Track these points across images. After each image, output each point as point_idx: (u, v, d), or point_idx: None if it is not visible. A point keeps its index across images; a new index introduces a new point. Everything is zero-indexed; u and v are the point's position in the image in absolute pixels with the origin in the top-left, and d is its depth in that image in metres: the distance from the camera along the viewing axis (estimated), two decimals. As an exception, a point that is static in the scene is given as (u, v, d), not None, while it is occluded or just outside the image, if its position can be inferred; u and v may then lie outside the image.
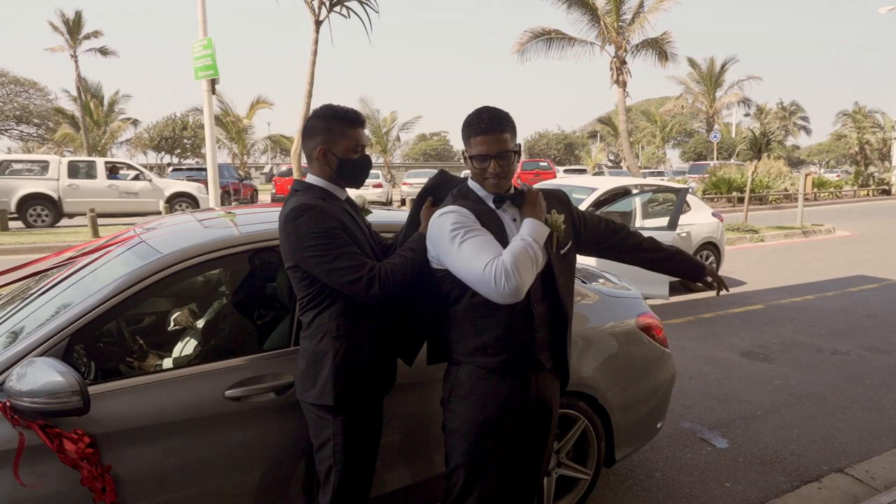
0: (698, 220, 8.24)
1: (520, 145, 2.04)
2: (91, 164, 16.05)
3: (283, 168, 28.23)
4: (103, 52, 32.12)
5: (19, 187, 14.87)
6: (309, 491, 2.26)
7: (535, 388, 2.11)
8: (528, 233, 1.95)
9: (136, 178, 16.36)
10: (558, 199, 2.21)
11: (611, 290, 3.26)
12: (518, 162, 2.05)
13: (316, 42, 12.14)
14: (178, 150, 38.39)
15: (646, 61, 22.97)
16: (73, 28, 30.80)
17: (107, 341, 2.80)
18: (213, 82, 12.35)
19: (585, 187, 7.71)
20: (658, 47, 21.77)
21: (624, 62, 21.47)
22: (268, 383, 2.20)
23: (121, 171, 16.84)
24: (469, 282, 1.90)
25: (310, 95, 12.63)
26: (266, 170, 44.30)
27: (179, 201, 16.26)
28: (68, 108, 38.34)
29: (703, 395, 4.63)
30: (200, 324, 2.89)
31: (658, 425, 3.30)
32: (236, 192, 22.49)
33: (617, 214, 7.58)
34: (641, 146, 56.87)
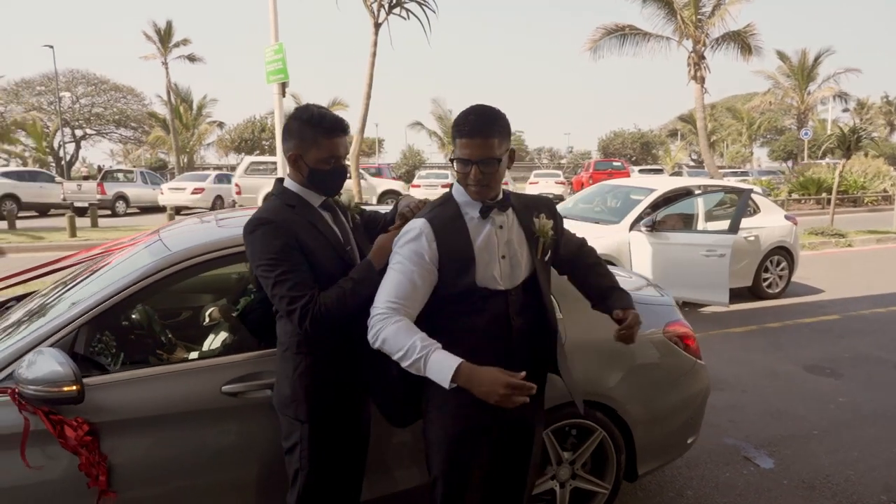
0: (769, 223, 7.75)
1: (513, 150, 1.93)
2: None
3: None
4: (191, 58, 34.01)
5: (263, 186, 17.12)
6: None
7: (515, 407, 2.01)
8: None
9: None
10: (546, 206, 2.13)
11: (637, 295, 3.10)
12: (507, 167, 1.93)
13: (375, 44, 12.34)
14: (257, 152, 40.14)
15: (727, 56, 21.87)
16: (165, 37, 32.76)
17: (138, 334, 2.94)
18: (284, 86, 12.75)
19: (643, 188, 7.42)
20: (741, 40, 20.70)
21: (702, 57, 20.55)
22: (264, 380, 2.23)
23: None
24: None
25: (368, 97, 12.83)
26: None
27: (389, 198, 17.93)
28: (160, 112, 40.80)
29: (755, 411, 4.34)
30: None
31: (689, 440, 3.12)
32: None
33: (678, 217, 7.26)
34: (726, 145, 54.28)
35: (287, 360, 2.00)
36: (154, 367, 2.24)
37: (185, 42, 33.76)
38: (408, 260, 1.87)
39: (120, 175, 22.66)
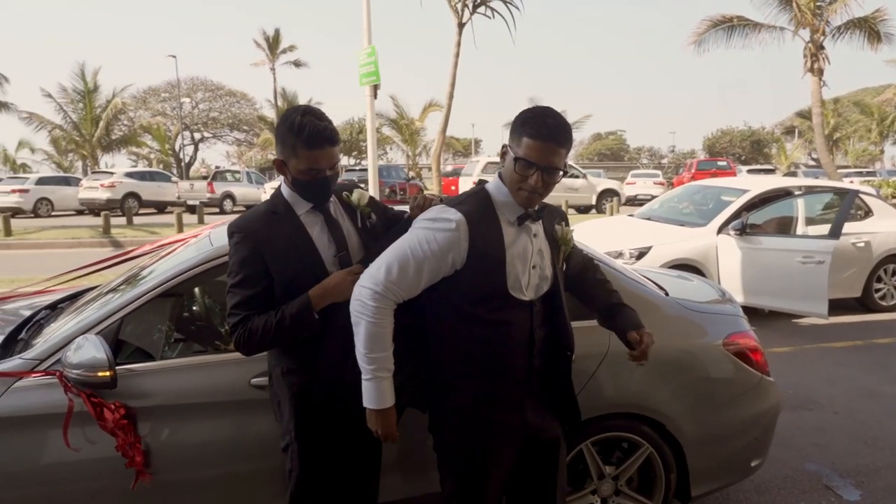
0: (883, 228, 7.00)
1: (566, 165, 1.82)
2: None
3: (448, 168, 29.15)
4: (296, 63, 35.79)
5: (598, 184, 19.25)
6: None
7: (532, 419, 1.93)
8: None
9: (573, 176, 19.53)
10: (560, 214, 2.01)
11: (695, 305, 2.89)
12: (563, 175, 1.84)
13: (458, 44, 12.35)
14: (355, 153, 41.54)
15: (850, 45, 20.04)
16: (273, 44, 34.64)
17: (199, 325, 3.10)
18: (376, 88, 13.07)
19: (736, 188, 6.93)
20: (868, 27, 18.93)
21: (821, 47, 18.99)
22: (292, 375, 2.27)
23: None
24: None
25: (451, 97, 12.87)
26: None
27: (608, 197, 19.14)
28: (269, 116, 43.18)
29: (846, 435, 3.92)
30: None
31: (753, 463, 2.86)
32: (402, 190, 23.69)
33: (776, 221, 6.74)
34: (851, 142, 49.81)
35: (270, 361, 2.02)
36: (188, 358, 2.34)
37: (291, 48, 35.58)
38: (429, 248, 1.76)
39: (228, 175, 24.23)
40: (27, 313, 2.95)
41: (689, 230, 6.53)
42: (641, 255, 6.20)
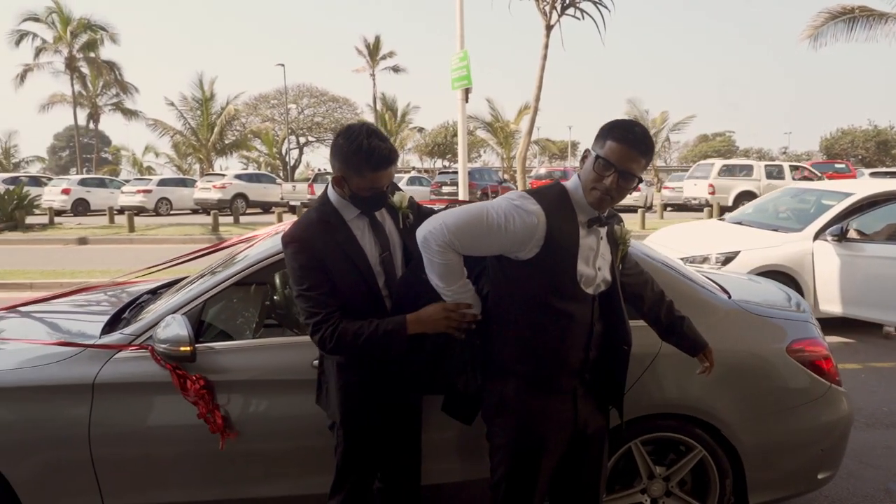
0: None
1: (641, 179, 1.91)
2: (780, 168, 20.99)
3: (542, 171, 28.94)
4: (395, 69, 36.87)
5: (734, 186, 19.84)
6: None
7: (583, 411, 2.02)
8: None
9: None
10: (617, 216, 2.06)
11: (758, 308, 2.81)
12: (631, 192, 1.96)
13: (546, 46, 12.29)
14: (449, 155, 42.21)
15: None
16: (373, 51, 35.87)
17: (279, 313, 3.37)
18: (467, 91, 13.27)
19: (839, 192, 6.49)
20: None
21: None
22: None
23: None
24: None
25: (537, 99, 12.81)
26: (532, 172, 45.90)
27: (745, 199, 19.04)
28: (369, 120, 44.72)
29: (943, 457, 3.63)
30: None
31: (821, 476, 2.74)
32: (494, 193, 23.84)
33: (887, 227, 6.25)
34: None
35: (327, 369, 2.16)
36: (260, 340, 2.59)
37: (390, 55, 36.71)
38: (505, 224, 1.83)
39: (328, 177, 25.37)
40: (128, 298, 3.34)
41: (782, 235, 6.20)
42: (728, 260, 5.96)
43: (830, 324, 6.01)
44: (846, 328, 6.10)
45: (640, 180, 1.91)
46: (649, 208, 22.06)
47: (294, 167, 45.96)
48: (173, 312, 2.48)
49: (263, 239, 3.12)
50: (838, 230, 5.75)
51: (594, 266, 1.95)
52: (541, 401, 1.96)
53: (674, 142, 57.33)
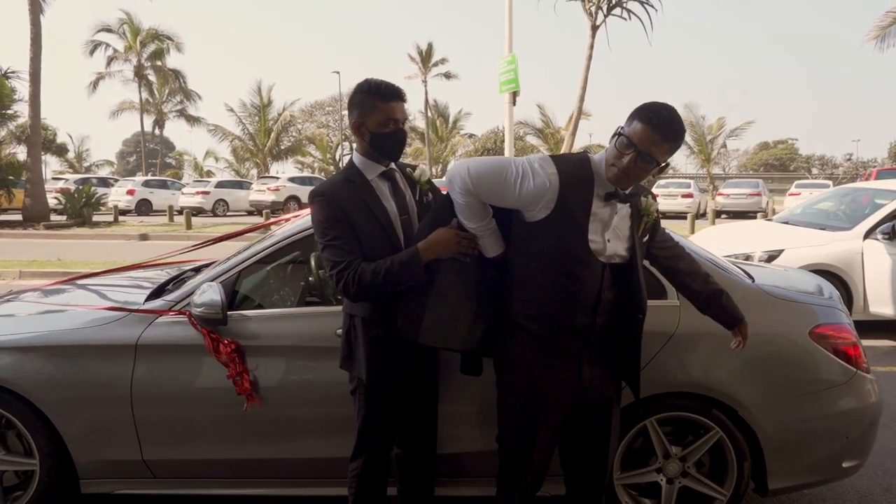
0: None
1: (668, 164, 1.95)
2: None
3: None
4: (447, 75, 37.20)
5: None
6: None
7: (587, 376, 2.07)
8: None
9: None
10: (652, 195, 2.12)
11: (781, 291, 2.78)
12: (654, 177, 2.01)
13: (591, 47, 12.22)
14: (499, 160, 42.36)
15: None
16: (426, 58, 36.33)
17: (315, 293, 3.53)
18: (515, 95, 13.32)
19: (891, 191, 6.25)
20: None
21: None
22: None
23: None
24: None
25: (581, 100, 12.75)
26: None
27: None
28: (419, 126, 45.22)
29: None
30: None
31: (846, 464, 2.68)
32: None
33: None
34: None
35: (344, 320, 2.26)
36: (287, 309, 2.74)
37: (442, 61, 37.10)
38: (521, 178, 1.93)
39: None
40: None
41: (830, 234, 6.01)
42: (772, 258, 5.82)
43: (881, 327, 5.79)
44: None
45: (665, 166, 1.94)
46: (702, 215, 21.50)
47: None
48: (210, 281, 2.66)
49: (296, 220, 3.28)
50: (889, 228, 5.55)
51: (603, 237, 2.00)
52: (545, 359, 2.02)
53: (732, 150, 55.62)
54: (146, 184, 25.47)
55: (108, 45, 34.62)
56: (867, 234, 5.77)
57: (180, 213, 20.21)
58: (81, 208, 17.25)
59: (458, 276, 2.08)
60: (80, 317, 2.79)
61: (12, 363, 2.63)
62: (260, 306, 2.86)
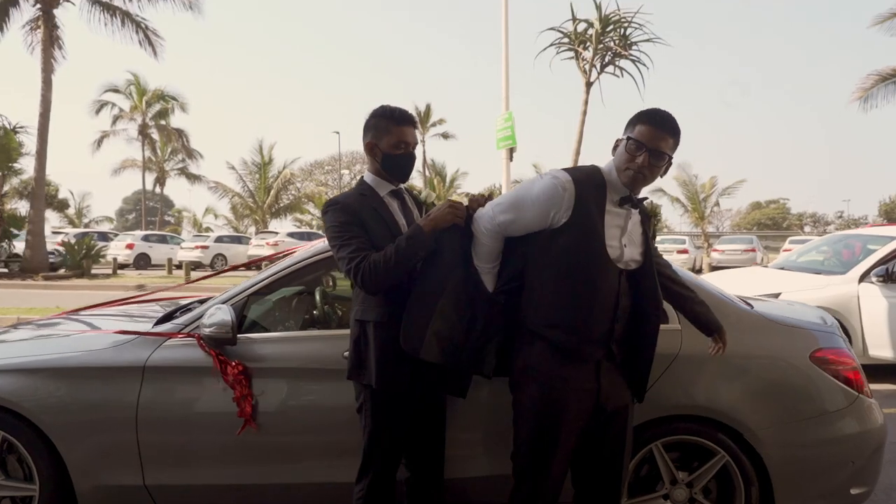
0: None
1: (671, 157, 2.07)
2: None
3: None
4: (445, 136, 38.07)
5: None
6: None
7: (605, 385, 2.10)
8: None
9: None
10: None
11: (780, 317, 2.83)
12: (666, 171, 2.11)
13: (585, 103, 12.69)
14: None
15: None
16: (424, 118, 37.28)
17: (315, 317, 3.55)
18: (511, 151, 13.69)
19: (884, 236, 6.37)
20: None
21: None
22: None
23: None
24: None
25: (577, 153, 13.09)
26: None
27: None
28: (416, 186, 45.95)
29: None
30: None
31: (854, 491, 2.67)
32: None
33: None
34: None
35: (352, 327, 2.29)
36: (295, 332, 2.77)
37: (440, 122, 38.03)
38: (537, 195, 2.03)
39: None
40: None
41: (826, 278, 6.09)
42: (769, 302, 5.88)
43: (882, 371, 5.79)
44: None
45: (670, 160, 2.06)
46: (698, 271, 21.66)
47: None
48: (220, 304, 2.70)
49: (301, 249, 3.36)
50: (884, 271, 5.64)
51: (620, 242, 2.08)
52: (564, 368, 2.05)
53: (725, 209, 56.40)
54: (145, 238, 25.64)
55: (114, 105, 35.52)
56: (862, 278, 5.85)
57: (179, 266, 20.27)
58: (81, 260, 17.33)
59: (461, 293, 2.14)
60: (88, 340, 2.82)
61: (18, 385, 2.63)
62: (266, 332, 2.89)
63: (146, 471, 2.61)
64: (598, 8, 12.87)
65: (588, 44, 12.71)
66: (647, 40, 12.70)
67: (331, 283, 3.87)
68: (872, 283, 5.71)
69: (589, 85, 13.09)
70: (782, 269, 7.00)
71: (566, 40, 13.07)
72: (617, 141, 2.11)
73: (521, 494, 2.13)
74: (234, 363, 2.57)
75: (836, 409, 2.63)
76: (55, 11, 17.28)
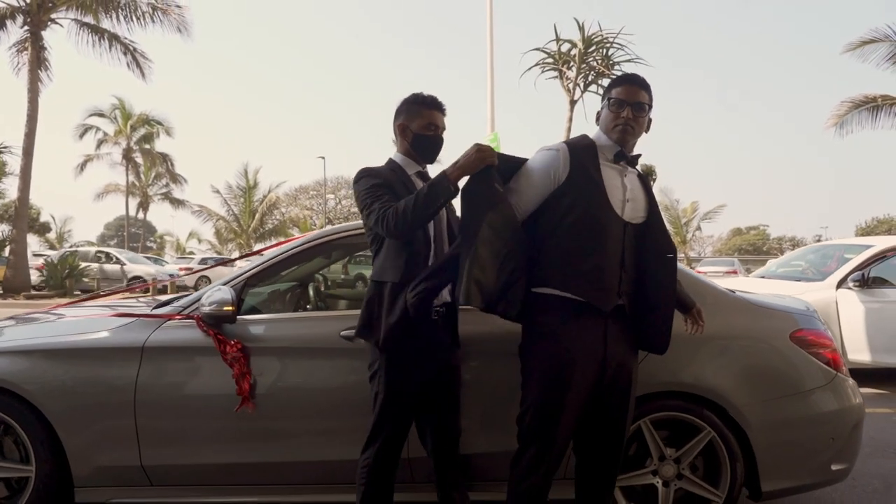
0: None
1: (650, 119, 2.25)
2: None
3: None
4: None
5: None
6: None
7: (612, 344, 2.17)
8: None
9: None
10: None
11: (761, 300, 2.95)
12: (648, 127, 2.27)
13: (570, 120, 13.04)
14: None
15: None
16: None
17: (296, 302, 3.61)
18: (498, 170, 13.89)
19: (860, 245, 6.58)
20: None
21: None
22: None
23: None
24: None
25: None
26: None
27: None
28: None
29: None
30: None
31: (834, 467, 2.76)
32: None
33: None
34: None
35: (368, 288, 2.37)
36: (293, 313, 2.84)
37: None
38: (535, 165, 2.19)
39: (361, 258, 26.14)
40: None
41: (805, 285, 6.26)
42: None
43: (861, 375, 5.91)
44: (879, 380, 6.02)
45: (650, 110, 2.24)
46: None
47: (333, 285, 47.11)
48: (224, 284, 2.76)
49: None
50: (860, 276, 5.82)
51: (623, 196, 2.21)
52: (574, 325, 2.13)
53: (707, 235, 57.15)
54: (130, 260, 25.40)
55: (98, 129, 35.45)
56: (839, 284, 6.02)
57: (164, 291, 20.09)
58: (64, 279, 17.13)
59: (495, 236, 2.14)
60: (87, 323, 2.86)
61: (17, 366, 2.66)
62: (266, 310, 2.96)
63: (143, 451, 2.63)
64: (582, 29, 13.32)
65: (572, 63, 13.15)
66: (629, 60, 13.19)
67: (322, 280, 3.95)
68: (850, 288, 5.88)
69: (573, 103, 13.44)
70: (763, 277, 7.17)
71: (550, 60, 13.45)
72: (598, 113, 2.30)
73: (525, 458, 2.18)
74: (232, 342, 2.62)
75: (815, 387, 2.73)
76: (42, 33, 17.35)
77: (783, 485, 2.72)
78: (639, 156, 2.29)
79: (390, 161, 2.48)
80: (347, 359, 2.65)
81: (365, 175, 2.35)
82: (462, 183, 2.19)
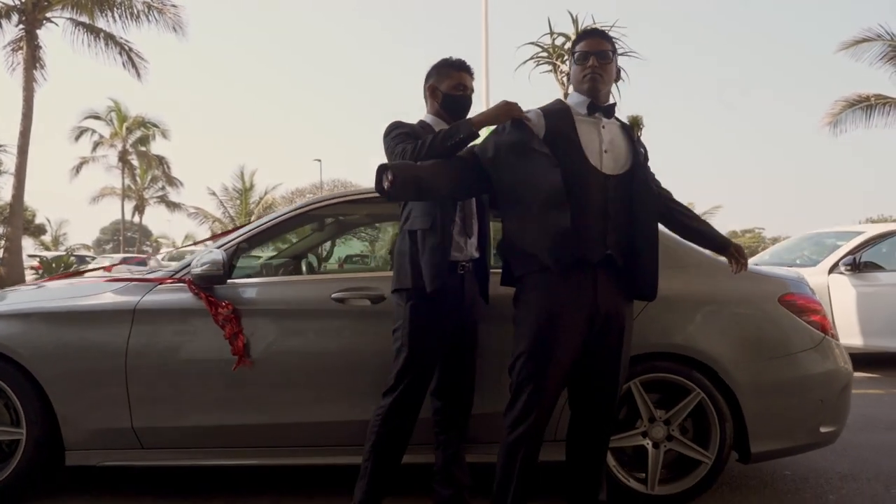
0: None
1: (620, 69, 2.32)
2: None
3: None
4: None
5: None
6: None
7: (602, 294, 2.18)
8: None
9: None
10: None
11: (753, 267, 2.96)
12: (618, 76, 2.34)
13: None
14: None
15: None
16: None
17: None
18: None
19: (850, 232, 6.62)
20: None
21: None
22: (365, 293, 2.68)
23: None
24: None
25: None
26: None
27: None
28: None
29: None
30: None
31: (823, 429, 2.78)
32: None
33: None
34: None
35: (399, 240, 2.42)
36: (285, 276, 2.85)
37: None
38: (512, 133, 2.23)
39: (357, 260, 26.26)
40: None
41: (798, 270, 6.28)
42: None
43: (853, 359, 5.93)
44: (871, 364, 6.05)
45: (615, 57, 2.32)
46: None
47: (327, 257, 47.13)
48: (217, 248, 2.77)
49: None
50: (851, 260, 5.86)
51: (600, 148, 2.23)
52: (560, 278, 2.15)
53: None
54: (125, 260, 25.37)
55: (94, 132, 35.43)
56: (832, 269, 6.06)
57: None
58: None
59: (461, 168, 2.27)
60: (79, 287, 2.87)
61: (11, 330, 2.66)
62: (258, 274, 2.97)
63: (134, 413, 2.63)
64: (575, 22, 13.39)
65: (565, 57, 13.17)
66: (622, 54, 13.22)
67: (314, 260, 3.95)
68: (842, 273, 5.92)
69: (567, 96, 13.40)
70: (756, 265, 7.19)
71: (545, 54, 13.48)
72: (568, 74, 2.39)
73: (516, 406, 2.19)
74: (224, 303, 2.63)
75: (803, 349, 2.76)
76: (38, 32, 17.34)
77: (772, 447, 2.74)
78: (614, 104, 2.32)
79: (420, 121, 2.53)
80: (339, 320, 2.67)
81: (396, 126, 2.41)
82: (485, 132, 2.30)
